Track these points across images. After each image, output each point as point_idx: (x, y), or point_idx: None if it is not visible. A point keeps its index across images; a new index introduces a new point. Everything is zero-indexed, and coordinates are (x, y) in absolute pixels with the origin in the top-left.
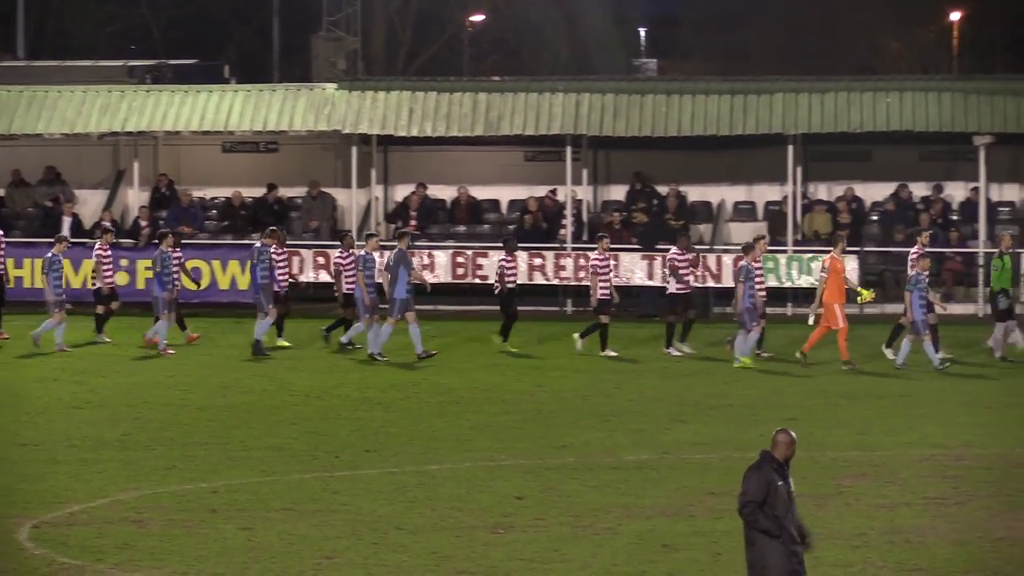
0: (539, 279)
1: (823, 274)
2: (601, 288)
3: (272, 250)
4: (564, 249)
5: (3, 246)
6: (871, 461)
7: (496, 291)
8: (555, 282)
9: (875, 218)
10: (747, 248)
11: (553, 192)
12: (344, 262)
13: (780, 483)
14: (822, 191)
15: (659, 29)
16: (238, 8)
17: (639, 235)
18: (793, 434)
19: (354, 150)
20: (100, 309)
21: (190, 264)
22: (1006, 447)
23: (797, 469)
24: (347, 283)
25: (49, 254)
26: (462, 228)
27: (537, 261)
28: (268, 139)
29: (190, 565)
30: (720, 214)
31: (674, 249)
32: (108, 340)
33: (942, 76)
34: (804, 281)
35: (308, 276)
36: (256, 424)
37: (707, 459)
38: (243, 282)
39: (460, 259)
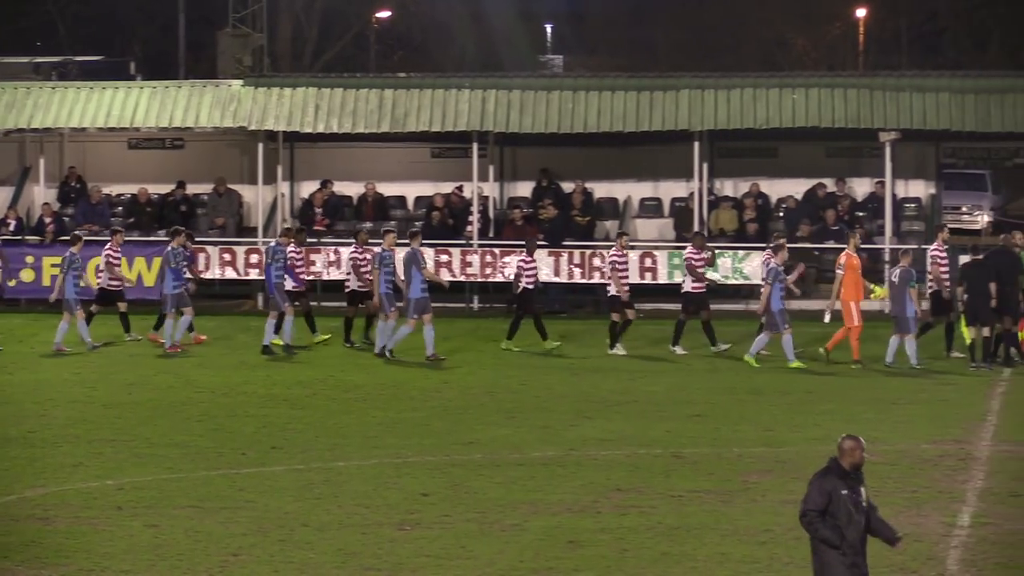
0: (446, 275)
1: (839, 271)
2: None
3: (290, 249)
4: (470, 246)
5: None
6: (777, 457)
7: (517, 291)
8: (462, 279)
9: (781, 215)
10: (777, 249)
11: (459, 189)
12: (360, 258)
13: (844, 492)
14: (728, 187)
15: (565, 25)
16: (144, 5)
17: (546, 231)
18: (860, 439)
19: (260, 147)
20: (122, 307)
21: (94, 261)
22: (911, 443)
23: (703, 465)
24: (359, 281)
25: (68, 252)
26: (368, 225)
27: (443, 258)
28: (174, 136)
29: (96, 562)
30: (626, 210)
31: (690, 248)
32: (140, 337)
33: (848, 72)
34: (710, 276)
35: (215, 273)
36: (162, 421)
37: (613, 455)
38: (149, 279)
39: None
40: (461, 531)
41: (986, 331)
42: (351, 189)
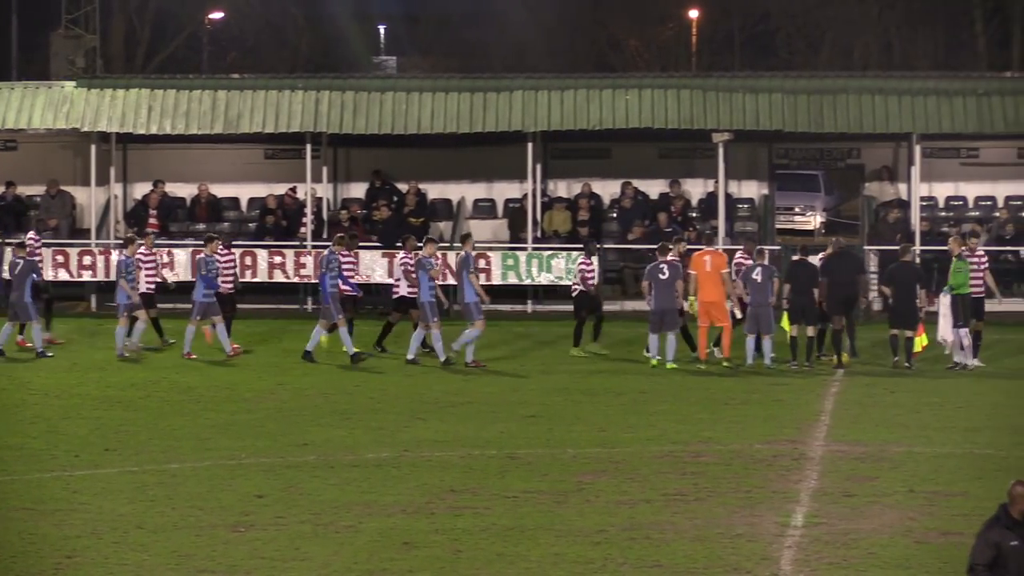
0: (279, 277)
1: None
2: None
3: (340, 255)
4: (304, 247)
5: None
6: (611, 458)
7: (573, 293)
8: (295, 280)
9: (613, 215)
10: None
11: (293, 190)
12: (411, 263)
13: (1014, 543)
14: (562, 188)
15: (399, 26)
16: None
17: (379, 232)
18: None
19: (93, 148)
20: (152, 313)
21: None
22: (744, 443)
23: (538, 466)
24: (409, 287)
25: (123, 256)
26: (202, 226)
27: (277, 259)
28: (6, 137)
29: None
30: (460, 211)
31: (740, 253)
32: (172, 341)
33: (681, 73)
34: (544, 279)
35: (47, 275)
36: None
37: (447, 456)
38: None
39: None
40: (295, 533)
41: (811, 330)
42: (184, 190)
